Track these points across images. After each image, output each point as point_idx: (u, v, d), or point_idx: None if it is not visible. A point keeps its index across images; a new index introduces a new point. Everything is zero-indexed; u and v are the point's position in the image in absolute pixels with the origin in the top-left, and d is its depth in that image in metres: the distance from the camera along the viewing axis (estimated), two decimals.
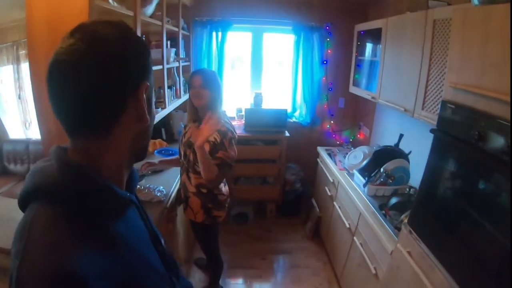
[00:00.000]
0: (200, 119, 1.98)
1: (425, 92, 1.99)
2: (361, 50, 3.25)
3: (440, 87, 1.83)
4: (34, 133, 4.81)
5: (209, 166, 1.85)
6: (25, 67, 4.47)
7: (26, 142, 4.64)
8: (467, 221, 1.32)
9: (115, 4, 1.70)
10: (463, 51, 1.38)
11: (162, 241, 0.81)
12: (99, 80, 0.56)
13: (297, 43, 3.64)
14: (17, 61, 4.49)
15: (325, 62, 3.70)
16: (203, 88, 1.95)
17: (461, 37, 1.40)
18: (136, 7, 1.88)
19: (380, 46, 2.66)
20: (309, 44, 3.62)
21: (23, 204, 0.61)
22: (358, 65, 3.31)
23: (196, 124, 1.99)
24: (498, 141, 1.12)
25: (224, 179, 2.11)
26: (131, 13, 1.85)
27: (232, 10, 3.51)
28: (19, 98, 4.65)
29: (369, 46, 3.09)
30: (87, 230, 0.56)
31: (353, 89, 3.39)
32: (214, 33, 3.53)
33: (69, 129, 0.60)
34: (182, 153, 2.12)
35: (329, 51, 3.68)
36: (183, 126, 3.37)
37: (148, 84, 0.64)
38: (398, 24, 2.38)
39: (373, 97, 2.83)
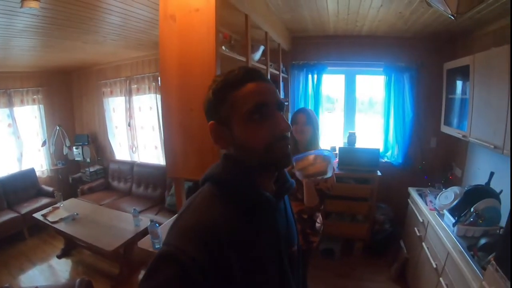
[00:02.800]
0: (299, 152, 2.01)
1: None
2: (450, 89, 3.19)
3: None
4: (139, 157, 5.55)
5: (313, 195, 2.00)
6: (136, 99, 5.32)
7: (131, 164, 5.42)
8: None
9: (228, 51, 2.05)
10: None
11: (294, 247, 0.98)
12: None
13: (388, 84, 3.74)
14: (128, 93, 5.31)
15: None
16: (306, 125, 2.15)
17: None
18: (248, 54, 2.23)
19: (469, 83, 2.63)
20: (400, 84, 3.69)
21: (203, 182, 0.88)
22: (449, 104, 3.23)
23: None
24: None
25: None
26: (243, 59, 2.18)
27: (327, 54, 3.83)
28: (129, 125, 5.44)
29: (458, 85, 3.04)
30: (231, 209, 0.79)
31: (444, 128, 3.30)
32: (310, 76, 3.85)
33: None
34: None
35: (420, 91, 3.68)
36: None
37: (213, 122, 0.86)
38: (484, 60, 2.37)
39: (463, 136, 2.75)
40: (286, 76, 3.73)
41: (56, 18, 2.71)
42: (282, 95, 3.50)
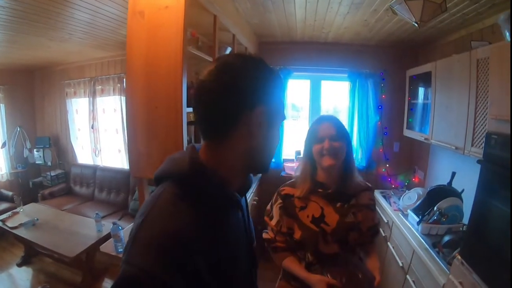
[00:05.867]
0: (325, 186, 1.54)
1: (474, 129, 2.05)
2: (413, 94, 3.35)
3: (486, 123, 1.89)
4: (102, 161, 5.35)
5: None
6: (100, 100, 5.13)
7: (94, 168, 5.22)
8: None
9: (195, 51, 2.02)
10: (502, 84, 1.48)
11: (253, 244, 0.96)
12: (219, 97, 0.72)
13: (352, 90, 3.83)
14: (92, 94, 5.12)
15: (380, 107, 3.83)
16: (338, 140, 1.47)
17: (498, 71, 1.51)
18: (215, 54, 2.21)
19: (431, 88, 2.76)
20: (364, 90, 3.79)
21: (158, 181, 0.79)
22: (411, 109, 3.39)
23: (320, 191, 1.54)
24: None
25: None
26: (210, 59, 2.15)
27: (293, 59, 3.86)
28: (92, 127, 5.23)
29: (421, 90, 3.19)
30: (198, 211, 0.71)
31: (407, 132, 3.45)
32: None
33: (201, 133, 0.80)
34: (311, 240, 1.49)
35: (383, 96, 3.82)
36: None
37: (265, 108, 0.74)
38: (445, 66, 2.50)
39: (426, 139, 2.88)
40: None
41: (24, 12, 2.57)
42: None
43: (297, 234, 1.50)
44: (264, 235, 1.64)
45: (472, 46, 2.09)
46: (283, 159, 4.00)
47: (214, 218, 0.74)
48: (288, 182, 1.63)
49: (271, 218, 1.61)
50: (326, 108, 4.24)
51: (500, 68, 1.49)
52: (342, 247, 1.47)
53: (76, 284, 3.34)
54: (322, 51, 3.85)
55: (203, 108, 0.75)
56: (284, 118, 0.82)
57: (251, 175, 0.91)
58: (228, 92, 0.71)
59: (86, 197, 5.14)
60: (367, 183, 1.65)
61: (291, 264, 1.53)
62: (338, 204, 1.52)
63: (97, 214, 3.52)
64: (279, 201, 1.58)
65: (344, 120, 3.94)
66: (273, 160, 4.01)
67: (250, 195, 3.05)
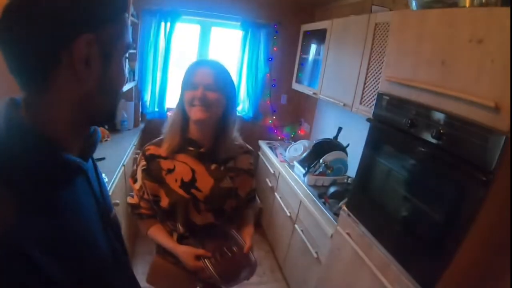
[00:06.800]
0: (197, 144, 1.33)
1: (363, 88, 2.17)
2: (305, 49, 3.40)
3: (377, 83, 2.01)
4: None
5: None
6: None
7: None
8: (399, 200, 1.48)
9: None
10: (399, 49, 1.54)
11: (112, 213, 0.77)
12: (27, 28, 0.49)
13: (244, 39, 3.68)
14: None
15: (270, 59, 3.80)
16: (214, 91, 1.24)
17: (398, 36, 1.56)
18: None
19: (324, 45, 2.82)
20: (256, 41, 3.68)
21: None
22: (302, 63, 3.46)
23: (192, 150, 1.33)
24: (427, 127, 1.27)
25: None
26: None
27: (182, 1, 3.45)
28: None
29: (313, 46, 3.25)
30: (25, 196, 0.50)
31: (295, 86, 3.54)
32: (162, 24, 3.43)
33: (16, 80, 0.54)
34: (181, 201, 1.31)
35: (275, 48, 3.79)
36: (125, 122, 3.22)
37: (94, 36, 0.53)
38: (342, 25, 2.55)
39: (314, 93, 2.99)
40: (136, 21, 3.26)
41: None
42: None
43: (164, 202, 1.29)
44: (129, 199, 1.41)
45: (372, 10, 2.15)
46: (167, 108, 3.72)
47: (50, 197, 0.54)
48: (154, 140, 1.37)
49: (135, 181, 1.36)
50: (215, 56, 4.04)
51: (400, 34, 1.54)
52: (217, 217, 1.34)
53: None
54: None
55: (7, 48, 0.51)
56: (128, 45, 0.62)
57: (98, 130, 0.70)
58: (34, 18, 0.49)
59: None
60: (248, 145, 1.50)
61: (158, 233, 1.36)
62: (213, 166, 1.33)
63: None
64: (143, 162, 1.32)
65: (232, 69, 3.83)
66: (156, 109, 3.74)
67: (130, 148, 2.76)
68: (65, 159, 0.57)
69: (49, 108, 0.56)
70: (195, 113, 1.23)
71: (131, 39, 0.63)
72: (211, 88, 1.23)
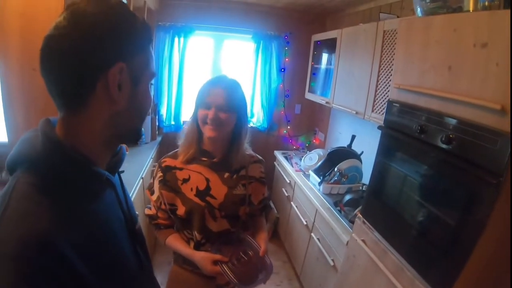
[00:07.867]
0: (210, 154, 1.40)
1: (375, 96, 2.18)
2: (317, 59, 3.44)
3: (388, 91, 2.02)
4: None
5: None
6: None
7: None
8: (412, 205, 1.47)
9: None
10: (406, 55, 1.55)
11: (137, 225, 0.83)
12: (69, 56, 0.56)
13: (256, 51, 3.75)
14: None
15: (283, 70, 3.85)
16: (226, 112, 1.30)
17: (405, 43, 1.57)
18: None
19: (335, 55, 2.85)
20: (268, 52, 3.75)
21: (11, 169, 0.62)
22: (314, 73, 3.49)
23: (205, 160, 1.39)
24: (437, 132, 1.28)
25: None
26: None
27: (196, 17, 3.56)
28: None
29: (324, 56, 3.29)
30: (61, 202, 0.57)
31: (308, 96, 3.57)
32: (176, 39, 3.54)
33: (54, 102, 0.62)
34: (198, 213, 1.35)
35: (287, 59, 3.84)
36: (143, 136, 3.30)
37: (125, 65, 0.60)
38: (351, 34, 2.58)
39: (327, 102, 3.01)
40: None
41: None
42: None
43: (181, 210, 1.34)
44: (146, 211, 1.48)
45: (380, 18, 2.18)
46: (183, 121, 3.80)
47: (82, 206, 0.62)
48: (169, 153, 1.45)
49: (152, 193, 1.43)
50: (229, 69, 4.11)
51: (406, 40, 1.55)
52: (232, 223, 1.39)
53: None
54: (227, 10, 3.63)
55: (49, 72, 0.59)
56: (153, 73, 0.70)
57: (124, 148, 0.78)
58: (76, 50, 0.56)
59: None
60: (258, 155, 1.55)
61: (175, 242, 1.41)
62: (226, 175, 1.39)
63: None
64: (160, 174, 1.39)
65: (246, 81, 3.89)
66: (172, 122, 3.83)
67: (148, 161, 2.83)
68: (96, 171, 0.64)
69: (84, 126, 0.63)
70: (208, 131, 1.30)
71: (155, 68, 0.70)
72: (222, 109, 1.28)
